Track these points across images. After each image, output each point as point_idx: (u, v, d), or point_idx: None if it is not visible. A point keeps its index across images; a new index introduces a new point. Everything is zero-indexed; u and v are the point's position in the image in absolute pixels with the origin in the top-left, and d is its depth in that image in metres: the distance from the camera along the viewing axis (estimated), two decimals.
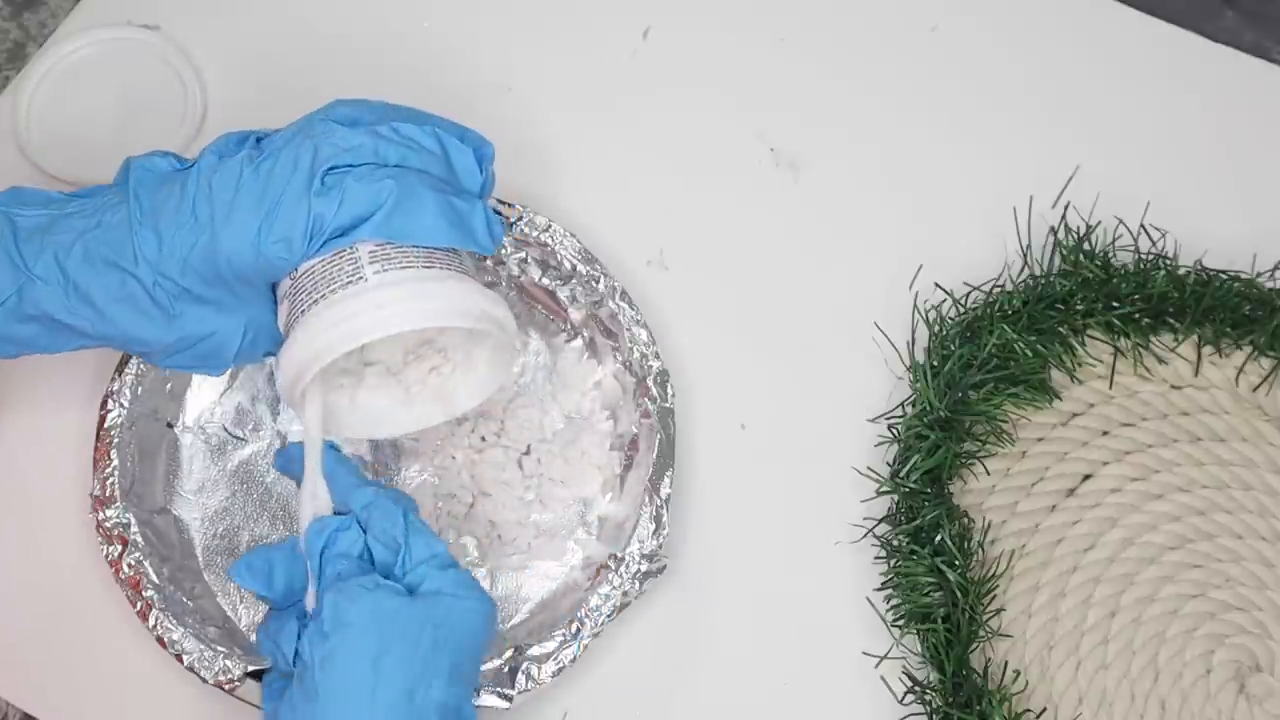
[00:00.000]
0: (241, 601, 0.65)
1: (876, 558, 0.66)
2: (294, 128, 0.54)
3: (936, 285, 0.71)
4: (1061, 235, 0.71)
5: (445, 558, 0.53)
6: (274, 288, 0.56)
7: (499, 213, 0.68)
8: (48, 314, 0.55)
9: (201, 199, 0.53)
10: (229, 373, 0.68)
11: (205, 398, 0.68)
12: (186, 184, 0.53)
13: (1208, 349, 0.68)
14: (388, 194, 0.51)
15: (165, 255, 0.53)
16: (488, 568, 0.65)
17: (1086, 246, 0.70)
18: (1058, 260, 0.71)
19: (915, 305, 0.71)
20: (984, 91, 0.76)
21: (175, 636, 0.61)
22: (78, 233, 0.54)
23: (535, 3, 0.78)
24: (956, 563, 0.63)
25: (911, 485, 0.65)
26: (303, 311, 0.53)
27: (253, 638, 0.64)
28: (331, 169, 0.52)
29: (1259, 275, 0.70)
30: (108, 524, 0.63)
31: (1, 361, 0.69)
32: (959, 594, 0.63)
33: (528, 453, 0.67)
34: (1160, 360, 0.68)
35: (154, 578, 0.62)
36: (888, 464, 0.68)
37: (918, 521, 0.64)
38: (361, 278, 0.52)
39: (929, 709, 0.63)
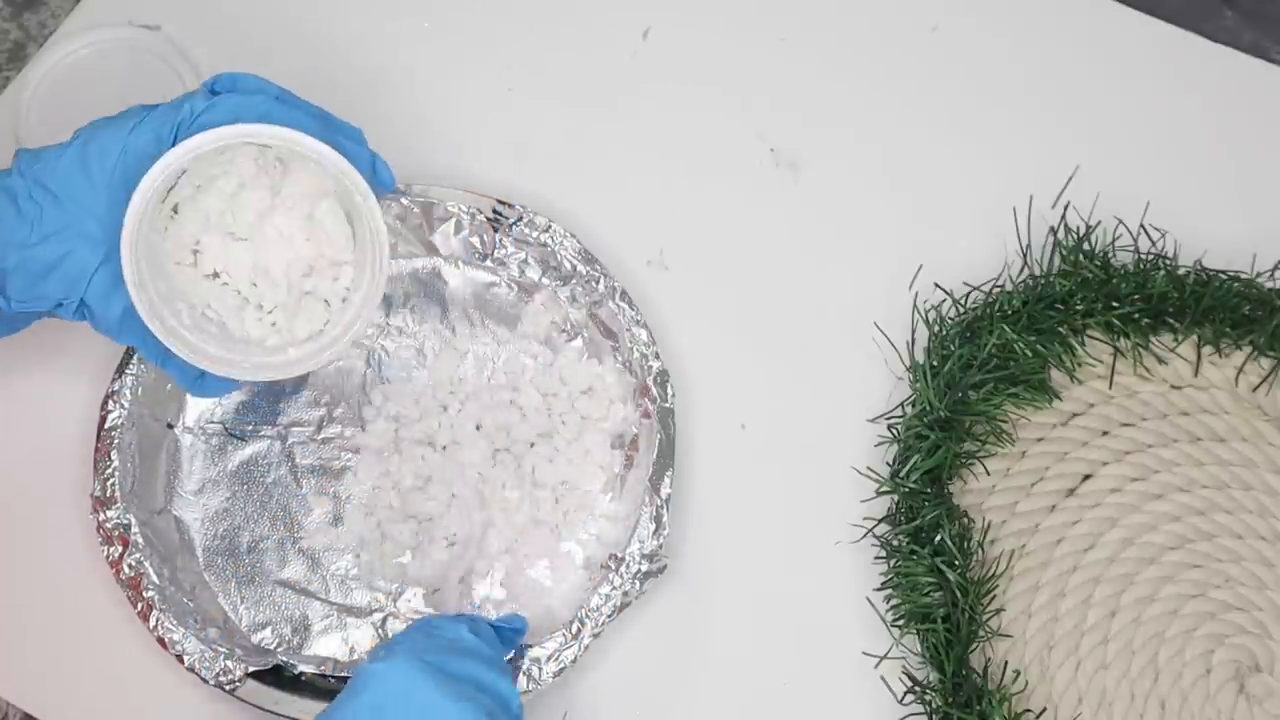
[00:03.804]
0: (242, 602, 0.65)
1: (876, 558, 0.66)
2: None
3: (936, 285, 0.71)
4: (1061, 235, 0.71)
5: None
6: None
7: (498, 214, 0.68)
8: None
9: (85, 125, 0.58)
10: None
11: (205, 399, 0.68)
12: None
13: (1208, 349, 0.68)
14: (263, 101, 0.57)
15: (40, 164, 0.56)
16: (487, 566, 0.66)
17: (1086, 246, 0.70)
18: (1057, 260, 0.71)
19: (915, 305, 0.71)
20: (984, 91, 0.76)
21: (176, 637, 0.61)
22: None
23: (535, 3, 0.78)
24: (956, 563, 0.63)
25: (911, 485, 0.65)
26: None
27: (253, 638, 0.64)
28: (214, 91, 0.57)
29: (1259, 275, 0.70)
30: (108, 525, 0.63)
31: (1, 361, 0.69)
32: (959, 594, 0.63)
33: (535, 454, 0.67)
34: (1160, 360, 0.68)
35: (154, 578, 0.62)
36: (888, 464, 0.68)
37: (918, 521, 0.64)
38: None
39: (929, 709, 0.63)
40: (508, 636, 0.61)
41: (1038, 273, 0.70)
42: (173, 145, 0.55)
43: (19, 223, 0.56)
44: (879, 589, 0.66)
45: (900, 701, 0.64)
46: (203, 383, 0.61)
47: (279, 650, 0.64)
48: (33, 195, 0.56)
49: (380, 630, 0.64)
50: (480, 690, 0.54)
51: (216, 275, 0.60)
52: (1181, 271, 0.69)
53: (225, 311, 0.60)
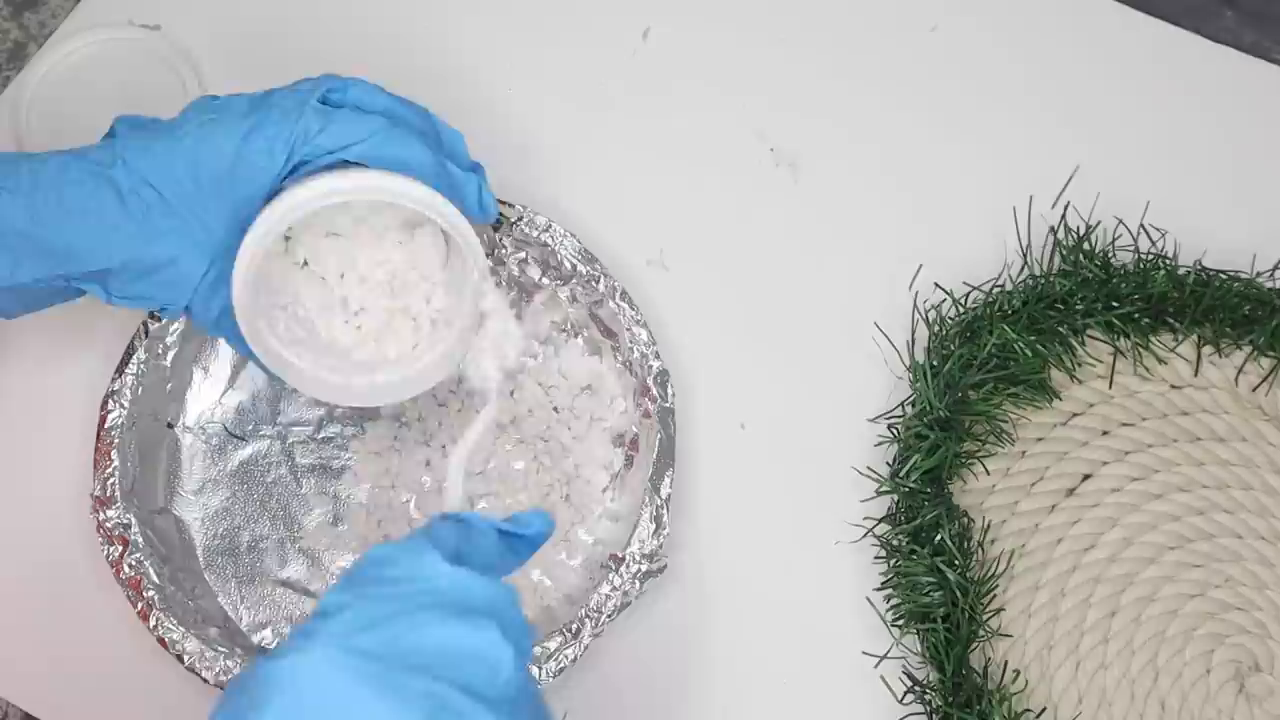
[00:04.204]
0: (242, 602, 0.65)
1: (876, 558, 0.66)
2: None
3: (936, 285, 0.71)
4: (1061, 235, 0.71)
5: None
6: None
7: (498, 214, 0.68)
8: (12, 228, 0.54)
9: (192, 113, 0.55)
10: (229, 373, 0.68)
11: (205, 398, 0.68)
12: (183, 110, 0.56)
13: (1208, 349, 0.68)
14: (377, 126, 0.54)
15: (149, 160, 0.54)
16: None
17: (1086, 246, 0.70)
18: (1058, 260, 0.71)
19: (915, 305, 0.71)
20: (984, 91, 0.76)
21: (176, 637, 0.61)
22: (56, 152, 0.55)
23: (535, 3, 0.78)
24: (956, 562, 0.63)
25: (911, 485, 0.65)
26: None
27: (254, 638, 0.64)
28: (326, 101, 0.55)
29: (1259, 275, 0.70)
30: (108, 524, 0.63)
31: (1, 361, 0.69)
32: (959, 594, 0.63)
33: (535, 453, 0.67)
34: (1160, 360, 0.68)
35: (154, 578, 0.62)
36: (888, 464, 0.68)
37: (918, 521, 0.64)
38: (361, 169, 0.54)
39: (929, 709, 0.63)
40: (519, 546, 0.47)
41: (1038, 273, 0.70)
42: (286, 160, 0.54)
43: (124, 218, 0.54)
44: (879, 589, 0.66)
45: (900, 701, 0.64)
46: None
47: None
48: (140, 193, 0.54)
49: None
50: (446, 665, 0.40)
51: (305, 263, 0.59)
52: (1181, 271, 0.69)
53: (314, 309, 0.59)
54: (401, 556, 0.43)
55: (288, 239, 0.58)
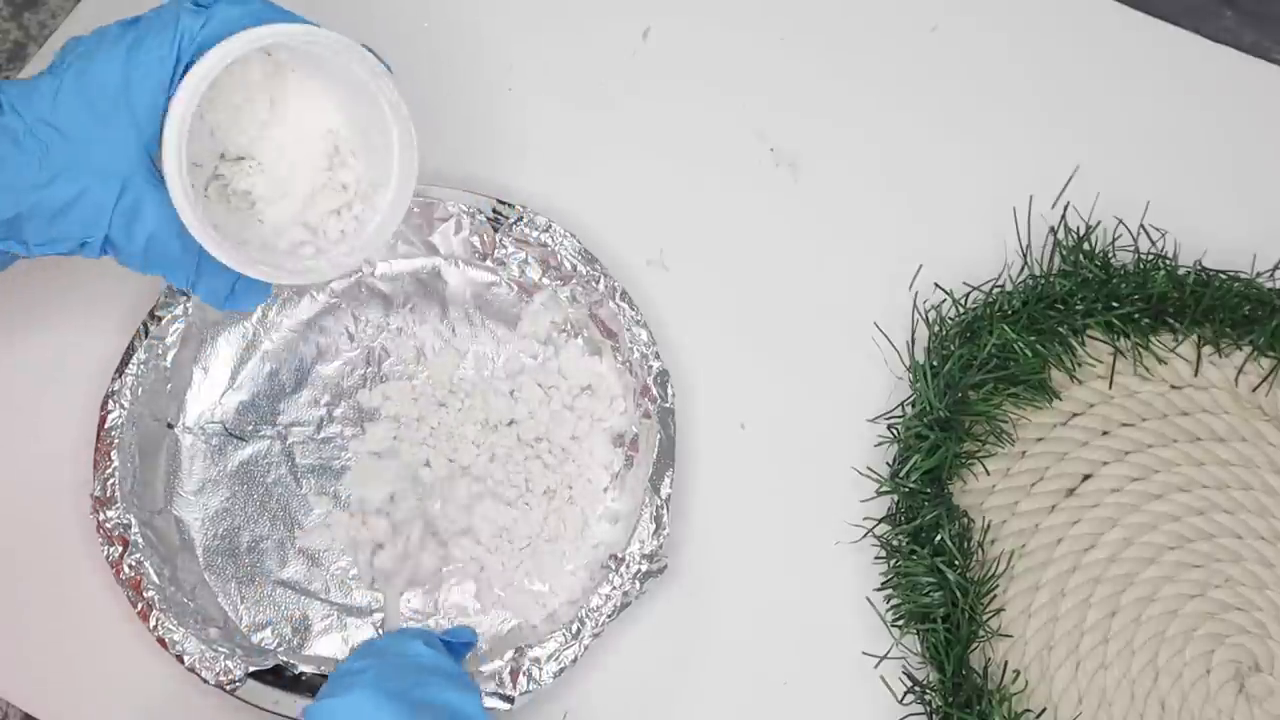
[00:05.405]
0: (242, 602, 0.65)
1: (876, 558, 0.66)
2: None
3: (936, 285, 0.71)
4: (1061, 235, 0.71)
5: None
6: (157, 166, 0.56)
7: (498, 214, 0.68)
8: None
9: (67, 52, 0.55)
10: (229, 373, 0.68)
11: (205, 398, 0.68)
12: (60, 50, 0.56)
13: (1208, 349, 0.68)
14: (255, 6, 0.56)
15: (37, 99, 0.54)
16: (489, 569, 0.65)
17: (1086, 246, 0.70)
18: (1057, 260, 0.71)
19: (915, 305, 0.71)
20: (984, 91, 0.76)
21: (176, 637, 0.61)
22: None
23: (535, 3, 0.78)
24: (956, 563, 0.63)
25: (911, 485, 0.65)
26: None
27: (253, 638, 0.64)
28: (200, 3, 0.55)
29: (1259, 275, 0.70)
30: (108, 525, 0.63)
31: (2, 361, 0.69)
32: (959, 594, 0.63)
33: (535, 454, 0.67)
34: (1160, 360, 0.68)
35: (155, 578, 0.62)
36: (888, 464, 0.68)
37: (918, 521, 0.64)
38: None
39: (929, 709, 0.63)
40: (458, 650, 0.60)
41: (1038, 273, 0.70)
42: (176, 63, 0.54)
43: (24, 162, 0.54)
44: (879, 589, 0.66)
45: (900, 701, 0.64)
46: (233, 298, 0.59)
47: (279, 650, 0.64)
48: (35, 133, 0.53)
49: (380, 631, 0.64)
50: (450, 714, 0.52)
51: (241, 159, 0.59)
52: (1181, 271, 0.69)
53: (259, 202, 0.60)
54: (394, 643, 0.57)
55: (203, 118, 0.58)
